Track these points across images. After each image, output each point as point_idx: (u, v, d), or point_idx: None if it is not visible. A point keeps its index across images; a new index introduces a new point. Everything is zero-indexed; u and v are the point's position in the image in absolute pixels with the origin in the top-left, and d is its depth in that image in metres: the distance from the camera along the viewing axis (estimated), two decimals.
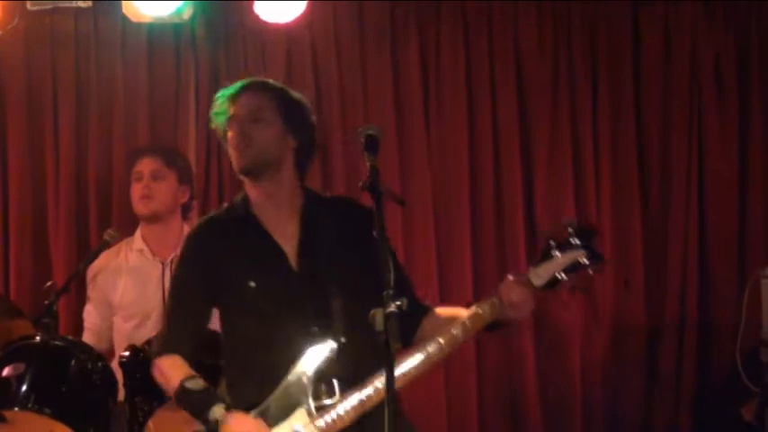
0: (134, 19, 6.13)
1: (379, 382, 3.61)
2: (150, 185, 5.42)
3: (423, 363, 3.70)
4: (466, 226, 6.48)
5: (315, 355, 3.66)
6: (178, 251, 5.28)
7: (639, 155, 6.63)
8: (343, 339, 3.68)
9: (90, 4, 6.17)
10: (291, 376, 3.67)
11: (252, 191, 3.95)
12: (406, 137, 6.53)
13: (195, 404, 3.74)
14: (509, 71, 6.56)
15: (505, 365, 6.54)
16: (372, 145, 3.51)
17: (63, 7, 6.17)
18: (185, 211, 5.57)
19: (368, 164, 3.48)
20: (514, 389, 6.53)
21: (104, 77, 6.38)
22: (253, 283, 3.79)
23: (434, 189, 6.53)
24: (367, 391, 3.64)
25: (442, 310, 3.96)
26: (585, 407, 6.57)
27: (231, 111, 3.95)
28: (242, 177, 3.96)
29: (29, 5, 6.12)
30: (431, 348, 3.71)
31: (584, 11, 6.60)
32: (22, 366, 4.55)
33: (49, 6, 6.14)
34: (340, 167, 6.38)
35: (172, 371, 3.85)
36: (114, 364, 4.76)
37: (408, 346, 3.80)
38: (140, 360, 4.65)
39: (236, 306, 3.86)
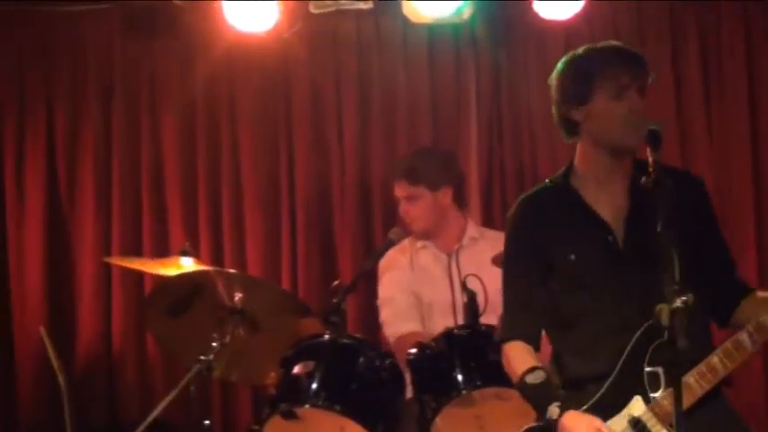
0: (414, 20, 6.12)
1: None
2: (408, 210, 5.47)
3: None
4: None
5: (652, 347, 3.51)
6: (464, 242, 5.37)
7: None
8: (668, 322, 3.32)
9: (371, 5, 6.20)
10: (624, 364, 3.55)
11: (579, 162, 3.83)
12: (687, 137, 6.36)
13: (533, 399, 3.66)
14: None
15: None
16: (654, 140, 3.42)
17: (345, 9, 6.22)
18: (461, 203, 5.58)
19: (650, 159, 3.38)
20: None
21: (386, 78, 6.42)
22: (573, 256, 3.70)
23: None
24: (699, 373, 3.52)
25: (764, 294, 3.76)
26: None
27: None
28: None
29: (312, 8, 6.19)
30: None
31: None
32: (311, 364, 4.62)
33: (331, 9, 6.20)
34: None
35: (515, 361, 3.73)
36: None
37: (725, 326, 3.77)
38: (427, 356, 4.66)
39: (560, 279, 3.75)
